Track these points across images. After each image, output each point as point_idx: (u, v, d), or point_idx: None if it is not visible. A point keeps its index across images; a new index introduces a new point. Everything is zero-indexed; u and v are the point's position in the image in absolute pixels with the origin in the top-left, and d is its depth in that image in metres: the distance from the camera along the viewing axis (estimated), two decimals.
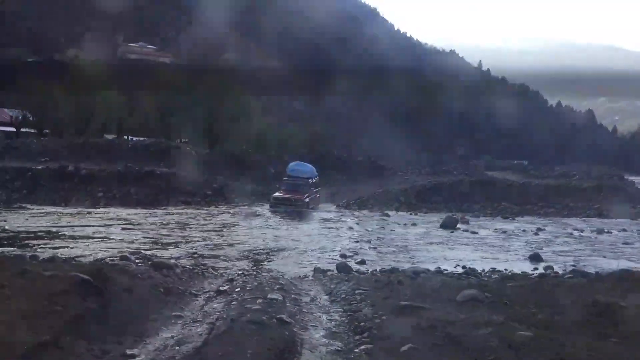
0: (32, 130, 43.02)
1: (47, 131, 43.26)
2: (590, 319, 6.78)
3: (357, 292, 9.84)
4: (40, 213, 23.32)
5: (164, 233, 19.62)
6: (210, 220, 23.94)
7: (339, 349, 6.67)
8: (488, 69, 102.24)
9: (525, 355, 5.75)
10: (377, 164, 38.99)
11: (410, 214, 29.81)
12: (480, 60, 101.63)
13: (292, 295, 9.40)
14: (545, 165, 64.93)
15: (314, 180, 29.44)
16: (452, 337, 6.37)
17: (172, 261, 11.83)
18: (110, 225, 20.75)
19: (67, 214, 23.58)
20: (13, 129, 43.32)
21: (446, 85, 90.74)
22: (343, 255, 16.39)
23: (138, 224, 21.41)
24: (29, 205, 25.65)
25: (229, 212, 27.08)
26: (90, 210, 25.15)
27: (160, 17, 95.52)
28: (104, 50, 79.98)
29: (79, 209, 25.07)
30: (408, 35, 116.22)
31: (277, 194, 27.65)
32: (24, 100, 43.45)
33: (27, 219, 21.40)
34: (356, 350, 6.55)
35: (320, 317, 8.21)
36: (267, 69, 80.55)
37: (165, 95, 46.71)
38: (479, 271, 13.43)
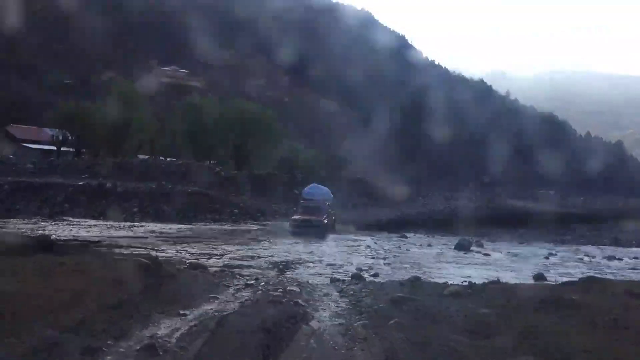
0: (71, 149, 46.21)
1: (84, 150, 46.39)
2: (545, 306, 8.60)
3: (363, 290, 11.81)
4: (82, 225, 25.78)
5: (194, 245, 21.75)
6: (236, 236, 26.05)
7: (342, 323, 8.60)
8: (516, 98, 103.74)
9: (487, 325, 7.60)
10: (398, 189, 40.80)
11: (428, 236, 31.54)
12: (508, 90, 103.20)
13: (308, 289, 11.43)
14: (572, 195, 65.74)
15: (330, 202, 30.53)
16: (428, 315, 8.29)
17: (205, 262, 14.00)
18: (146, 237, 23.01)
19: (106, 226, 26.01)
20: (54, 148, 46.65)
21: (474, 113, 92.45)
22: (359, 269, 18.09)
23: (170, 236, 23.62)
24: (70, 218, 28.21)
25: (253, 230, 29.21)
26: (125, 224, 27.58)
27: (191, 42, 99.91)
28: (138, 73, 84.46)
29: (117, 223, 27.52)
30: (437, 62, 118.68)
31: (296, 216, 28.56)
32: (63, 121, 46.72)
33: (71, 230, 23.83)
34: (355, 324, 8.48)
35: (329, 304, 10.15)
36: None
37: (196, 118, 49.57)
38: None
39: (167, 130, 53.30)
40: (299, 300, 9.60)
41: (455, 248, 26.27)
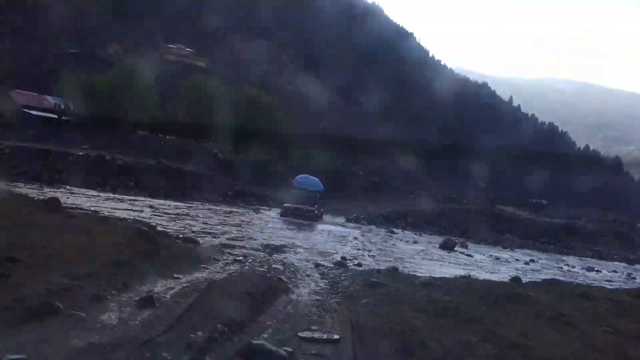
0: (71, 119, 46.92)
1: (85, 121, 47.06)
2: (502, 299, 9.61)
3: (343, 275, 12.86)
4: (80, 194, 26.67)
5: (189, 222, 22.69)
6: (229, 217, 27.00)
7: (318, 299, 9.60)
8: (519, 104, 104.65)
9: (444, 309, 8.61)
10: (391, 185, 41.82)
11: (415, 233, 32.57)
12: (511, 96, 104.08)
13: (292, 269, 12.45)
14: (564, 206, 66.83)
15: (320, 192, 31.51)
16: (396, 297, 9.30)
17: (196, 237, 14.97)
18: (142, 210, 23.93)
19: (103, 197, 26.94)
20: (55, 116, 47.42)
21: (478, 117, 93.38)
22: (343, 258, 19.08)
23: (165, 212, 24.55)
24: (68, 186, 29.09)
25: (247, 213, 30.17)
26: (125, 197, 28.50)
27: (199, 21, 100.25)
28: (144, 48, 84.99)
29: (114, 195, 28.45)
30: (442, 63, 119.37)
31: (288, 204, 29.43)
32: (67, 90, 47.49)
33: (68, 198, 24.73)
34: (330, 301, 9.48)
35: (310, 283, 11.16)
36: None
37: (198, 98, 50.45)
38: None
39: (169, 108, 54.10)
40: (282, 277, 10.61)
41: (440, 247, 27.31)
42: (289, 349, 5.79)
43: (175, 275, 8.78)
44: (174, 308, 6.74)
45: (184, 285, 8.16)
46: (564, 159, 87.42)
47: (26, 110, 52.08)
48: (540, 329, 7.68)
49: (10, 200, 11.11)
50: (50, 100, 51.90)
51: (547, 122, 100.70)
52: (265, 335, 6.16)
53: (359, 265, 17.63)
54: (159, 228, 12.55)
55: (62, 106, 47.96)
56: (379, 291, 10.19)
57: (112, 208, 22.99)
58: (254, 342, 5.62)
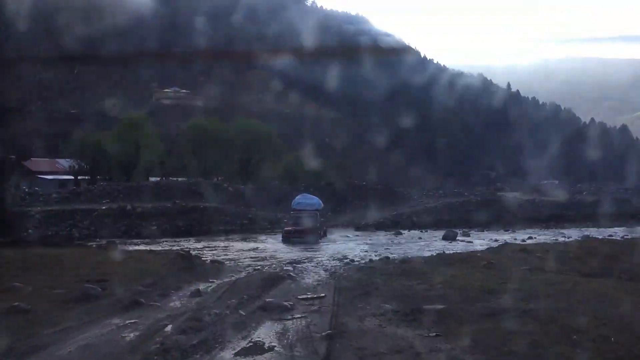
0: (86, 177, 51.39)
1: (99, 177, 51.52)
2: (455, 260, 13.21)
3: (343, 268, 16.51)
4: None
5: (210, 252, 26.39)
6: (246, 243, 30.66)
7: (318, 283, 13.26)
8: (517, 90, 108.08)
9: (409, 272, 12.20)
10: (393, 191, 45.41)
11: (421, 231, 36.02)
12: (509, 82, 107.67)
13: (300, 269, 16.15)
14: (578, 183, 69.79)
15: (320, 210, 31.43)
16: (377, 271, 12.95)
17: (222, 259, 18.77)
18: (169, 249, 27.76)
19: (130, 242, 30.78)
20: (71, 177, 51.91)
21: (478, 110, 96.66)
22: (352, 260, 22.61)
23: (189, 248, 28.30)
24: (98, 240, 33.04)
25: (261, 237, 33.79)
26: (148, 240, 32.33)
27: (191, 63, 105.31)
28: (140, 97, 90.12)
29: (139, 240, 32.29)
30: (435, 61, 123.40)
31: (288, 228, 29.12)
32: (78, 151, 52.09)
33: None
34: (328, 281, 13.14)
35: (314, 276, 14.83)
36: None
37: (201, 138, 54.70)
38: None
39: (175, 151, 58.49)
40: (291, 273, 14.32)
41: (442, 239, 30.65)
42: (291, 303, 9.48)
43: (211, 280, 12.58)
44: (214, 294, 10.50)
45: (218, 284, 11.95)
46: (571, 136, 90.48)
47: (40, 176, 56.70)
48: (470, 273, 11.29)
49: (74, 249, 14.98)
50: (63, 163, 56.53)
51: (548, 103, 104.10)
52: (275, 298, 9.86)
53: (360, 261, 21.21)
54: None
55: (76, 167, 52.52)
56: (365, 270, 13.88)
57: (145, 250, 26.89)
58: (267, 299, 9.34)
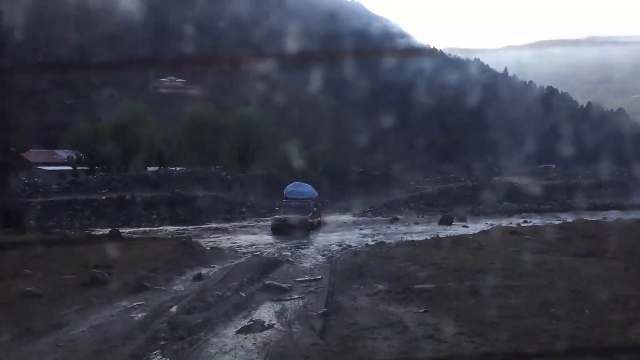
0: (85, 168, 51.76)
1: (98, 167, 51.91)
2: (450, 242, 13.77)
3: (339, 253, 17.09)
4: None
5: (210, 239, 26.95)
6: (245, 230, 31.25)
7: (315, 266, 13.84)
8: (514, 74, 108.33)
9: (394, 255, 12.77)
10: (391, 176, 45.98)
11: (418, 216, 36.62)
12: (505, 67, 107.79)
13: (298, 254, 16.73)
14: (575, 167, 70.34)
15: (314, 200, 30.48)
16: (371, 254, 13.51)
17: (222, 246, 19.34)
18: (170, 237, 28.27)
19: (132, 232, 31.37)
20: (69, 168, 52.30)
21: (474, 95, 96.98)
22: (348, 245, 23.21)
23: (190, 235, 28.85)
24: (98, 229, 33.61)
25: (260, 225, 34.39)
26: (148, 229, 32.92)
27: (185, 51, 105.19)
28: (136, 86, 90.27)
29: (140, 229, 32.87)
30: (432, 46, 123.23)
31: (278, 215, 28.46)
32: (76, 142, 52.45)
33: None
34: (325, 265, 13.72)
35: (311, 260, 15.42)
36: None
37: (199, 127, 55.07)
38: None
39: (173, 140, 58.89)
40: (289, 258, 14.90)
41: (439, 223, 31.22)
42: (289, 285, 10.05)
43: (212, 265, 13.17)
44: (215, 278, 11.06)
45: (219, 268, 12.53)
46: (567, 119, 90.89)
47: (38, 167, 57.15)
48: (461, 254, 11.86)
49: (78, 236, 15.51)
50: (62, 154, 56.93)
51: (545, 87, 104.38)
52: (274, 281, 10.43)
53: (356, 246, 21.81)
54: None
55: (75, 157, 52.92)
56: (359, 255, 14.45)
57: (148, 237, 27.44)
58: (266, 282, 9.91)
